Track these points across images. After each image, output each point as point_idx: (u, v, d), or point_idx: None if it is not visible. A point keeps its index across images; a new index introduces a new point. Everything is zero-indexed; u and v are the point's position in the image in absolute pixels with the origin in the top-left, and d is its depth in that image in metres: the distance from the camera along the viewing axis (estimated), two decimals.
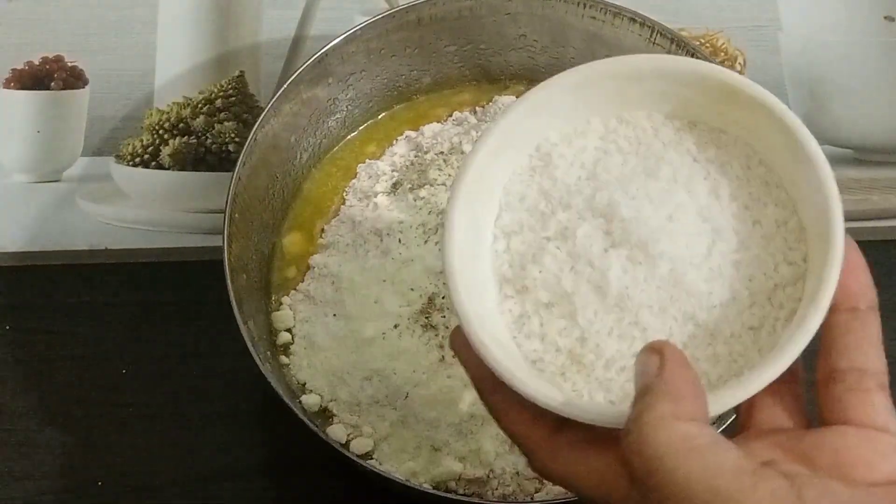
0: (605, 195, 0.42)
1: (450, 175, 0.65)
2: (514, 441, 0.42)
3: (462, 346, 0.42)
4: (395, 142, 0.68)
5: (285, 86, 0.62)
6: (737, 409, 0.41)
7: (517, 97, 0.69)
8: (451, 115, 0.69)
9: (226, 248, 0.58)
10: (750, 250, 0.41)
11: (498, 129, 0.42)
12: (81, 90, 0.75)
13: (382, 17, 0.64)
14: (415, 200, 0.64)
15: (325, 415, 0.60)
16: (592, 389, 0.41)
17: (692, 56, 0.62)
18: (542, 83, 0.43)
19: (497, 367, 0.40)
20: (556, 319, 0.42)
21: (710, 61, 0.61)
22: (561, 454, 0.40)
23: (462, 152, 0.66)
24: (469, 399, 0.58)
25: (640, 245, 0.41)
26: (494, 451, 0.58)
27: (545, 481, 0.57)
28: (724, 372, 0.41)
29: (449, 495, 0.56)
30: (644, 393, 0.37)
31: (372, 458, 0.58)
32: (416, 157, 0.67)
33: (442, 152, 0.66)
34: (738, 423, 0.41)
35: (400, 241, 0.62)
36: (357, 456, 0.57)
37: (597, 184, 0.43)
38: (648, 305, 0.41)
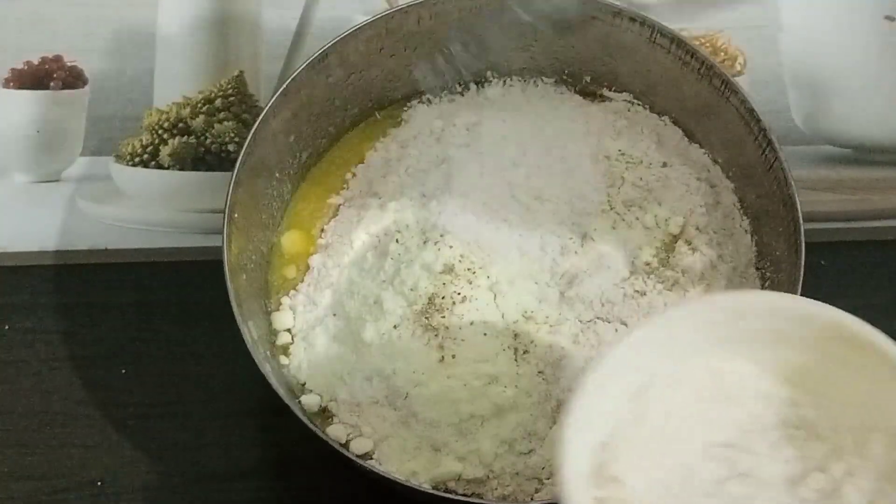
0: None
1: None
2: None
3: None
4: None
5: (285, 86, 0.62)
6: None
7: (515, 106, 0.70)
8: None
9: (225, 248, 0.58)
10: None
11: (608, 358, 0.44)
12: (81, 90, 0.75)
13: (382, 16, 0.64)
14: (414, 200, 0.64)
15: (324, 415, 0.60)
16: None
17: (692, 56, 0.62)
18: (654, 319, 0.44)
19: None
20: None
21: (711, 61, 0.62)
22: None
23: None
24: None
25: None
26: (494, 452, 0.58)
27: (545, 481, 0.57)
28: None
29: (449, 495, 0.56)
30: None
31: (372, 458, 0.58)
32: None
33: None
34: None
35: (399, 241, 0.62)
36: (357, 456, 0.57)
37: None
38: None
